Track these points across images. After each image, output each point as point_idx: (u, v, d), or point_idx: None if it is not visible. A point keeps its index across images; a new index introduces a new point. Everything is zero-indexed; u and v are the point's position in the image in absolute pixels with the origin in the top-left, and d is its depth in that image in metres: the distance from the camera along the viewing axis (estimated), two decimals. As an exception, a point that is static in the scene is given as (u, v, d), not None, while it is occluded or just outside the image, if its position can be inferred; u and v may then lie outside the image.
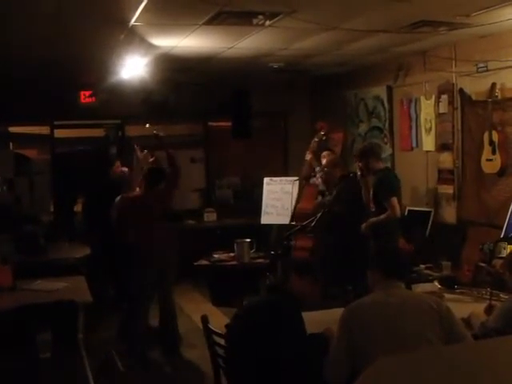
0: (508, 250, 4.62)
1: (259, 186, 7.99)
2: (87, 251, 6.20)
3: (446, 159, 6.60)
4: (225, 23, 4.92)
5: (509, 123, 5.69)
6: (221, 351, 3.26)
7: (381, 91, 7.76)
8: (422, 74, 6.91)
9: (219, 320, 4.69)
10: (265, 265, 6.42)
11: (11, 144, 8.65)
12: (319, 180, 6.63)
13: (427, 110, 6.85)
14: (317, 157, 6.67)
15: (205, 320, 3.40)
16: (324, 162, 6.32)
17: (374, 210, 5.44)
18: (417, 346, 2.64)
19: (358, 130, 8.37)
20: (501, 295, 3.74)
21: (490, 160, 5.80)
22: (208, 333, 3.36)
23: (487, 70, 5.88)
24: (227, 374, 3.27)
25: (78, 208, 8.30)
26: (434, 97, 6.73)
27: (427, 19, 5.08)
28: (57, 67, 6.78)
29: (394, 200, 5.33)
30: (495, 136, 5.72)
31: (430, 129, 6.83)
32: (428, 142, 6.89)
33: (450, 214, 6.58)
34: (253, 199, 8.53)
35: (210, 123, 9.32)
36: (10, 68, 6.84)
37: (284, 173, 8.76)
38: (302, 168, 7.03)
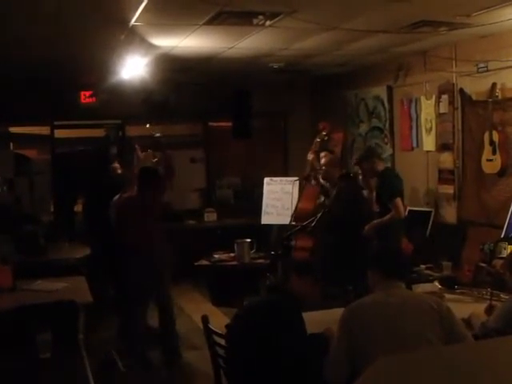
0: (508, 250, 4.61)
1: (259, 186, 7.99)
2: (87, 251, 6.20)
3: (447, 159, 6.59)
4: (225, 23, 4.91)
5: (509, 123, 5.69)
6: (221, 351, 3.26)
7: (381, 91, 7.76)
8: (422, 74, 6.91)
9: (219, 320, 4.69)
10: (265, 265, 6.42)
11: (11, 144, 8.65)
12: (321, 180, 6.62)
13: (427, 110, 6.85)
14: (319, 157, 6.67)
15: (205, 320, 3.40)
16: (322, 161, 6.32)
17: (378, 210, 5.45)
18: (417, 346, 2.64)
19: (358, 130, 8.37)
20: (501, 295, 3.73)
21: (491, 160, 5.80)
22: (208, 333, 3.35)
23: (487, 70, 5.88)
24: (227, 374, 3.27)
25: (78, 208, 8.31)
26: (434, 97, 6.73)
27: (427, 19, 5.08)
28: (57, 67, 6.78)
29: (399, 201, 5.36)
30: (495, 136, 5.72)
31: (431, 129, 6.83)
32: (428, 142, 6.88)
33: (450, 214, 6.58)
34: (253, 199, 8.53)
35: (211, 123, 9.32)
36: (10, 68, 6.85)
37: (284, 173, 8.77)
38: (304, 168, 7.03)
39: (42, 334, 3.31)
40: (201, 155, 9.27)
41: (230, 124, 8.68)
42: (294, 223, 6.21)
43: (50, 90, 7.75)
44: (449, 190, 6.58)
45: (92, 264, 5.97)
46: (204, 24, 4.94)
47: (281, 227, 6.95)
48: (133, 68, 6.19)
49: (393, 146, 7.64)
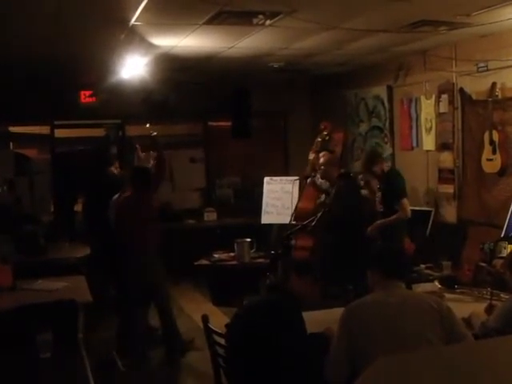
0: (508, 250, 4.61)
1: (259, 186, 7.99)
2: (87, 251, 6.20)
3: (447, 159, 6.59)
4: (225, 23, 4.91)
5: (509, 123, 5.69)
6: (221, 351, 3.26)
7: (381, 91, 7.76)
8: (422, 73, 6.91)
9: (219, 320, 4.68)
10: (265, 264, 6.41)
11: (11, 144, 8.66)
12: (319, 180, 6.61)
13: (427, 109, 6.85)
14: (333, 161, 6.58)
15: (205, 320, 3.40)
16: (321, 161, 6.31)
17: (381, 210, 5.44)
18: (417, 346, 2.64)
19: (358, 130, 8.37)
20: (501, 295, 3.73)
21: (491, 160, 5.80)
22: (208, 332, 3.35)
23: (487, 70, 5.88)
24: (227, 374, 3.27)
25: (78, 208, 8.30)
26: (434, 96, 6.72)
27: (427, 19, 5.08)
28: (57, 67, 6.78)
29: (405, 201, 5.40)
30: (495, 135, 5.72)
31: (431, 128, 6.83)
32: (428, 142, 6.88)
33: (450, 213, 6.58)
34: (253, 199, 8.52)
35: (210, 123, 9.32)
36: (10, 67, 6.84)
37: (284, 172, 8.77)
38: (305, 167, 7.02)
39: (42, 334, 3.30)
40: (201, 155, 9.27)
41: (229, 123, 8.67)
42: (294, 222, 6.20)
43: (50, 89, 7.75)
44: (449, 189, 6.58)
45: (92, 264, 5.97)
46: (204, 23, 4.94)
47: (281, 227, 6.94)
48: (133, 67, 6.19)
49: (393, 146, 7.64)
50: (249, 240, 7.01)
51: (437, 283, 4.27)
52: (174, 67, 7.03)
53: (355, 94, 8.36)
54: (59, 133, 8.73)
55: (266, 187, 7.79)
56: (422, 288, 4.04)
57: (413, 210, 6.68)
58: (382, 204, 5.47)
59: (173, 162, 8.77)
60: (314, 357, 2.98)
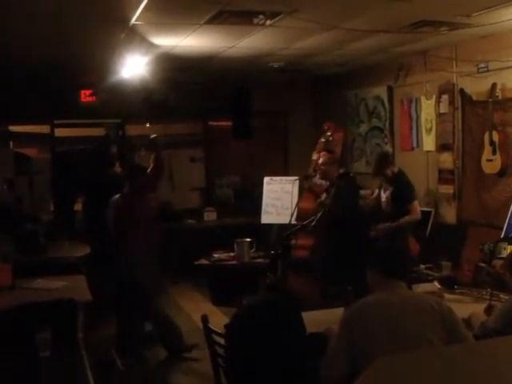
0: (508, 251, 4.61)
1: (259, 186, 7.99)
2: (87, 250, 6.20)
3: (447, 159, 6.60)
4: (225, 23, 4.91)
5: (509, 123, 5.69)
6: (221, 351, 3.26)
7: (381, 91, 7.76)
8: (422, 74, 6.91)
9: (219, 319, 4.68)
10: (265, 264, 6.41)
11: (11, 143, 8.65)
12: (319, 181, 6.62)
13: (428, 110, 6.85)
14: (333, 160, 6.54)
15: (205, 319, 3.39)
16: (320, 161, 6.31)
17: (388, 210, 5.42)
18: (417, 346, 2.63)
19: (358, 130, 8.37)
20: (501, 296, 3.73)
21: (491, 160, 5.80)
22: (208, 332, 3.35)
23: (488, 71, 5.88)
24: (227, 374, 3.26)
25: (78, 207, 8.30)
26: (434, 97, 6.73)
27: (428, 19, 5.08)
28: (57, 66, 6.78)
29: (416, 203, 5.41)
30: (496, 136, 5.72)
31: (431, 129, 6.83)
32: (428, 142, 6.89)
33: (450, 214, 6.58)
34: (253, 199, 8.52)
35: (211, 122, 9.32)
36: (10, 67, 6.84)
37: (284, 172, 8.77)
38: (307, 168, 7.02)
39: (42, 333, 3.30)
40: (201, 154, 9.28)
41: (230, 123, 8.68)
42: (294, 222, 6.20)
43: (50, 88, 7.75)
44: (449, 190, 6.58)
45: (91, 263, 5.97)
46: (204, 23, 4.94)
47: (280, 227, 6.94)
48: (133, 67, 6.19)
49: (393, 146, 7.64)
50: (248, 240, 7.01)
51: (436, 283, 4.27)
52: (174, 67, 7.03)
53: (355, 94, 8.37)
54: (59, 132, 8.73)
55: (265, 187, 7.79)
56: (421, 288, 4.04)
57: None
58: (392, 206, 5.44)
59: (173, 161, 8.78)
60: (313, 357, 2.98)
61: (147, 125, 9.27)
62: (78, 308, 3.98)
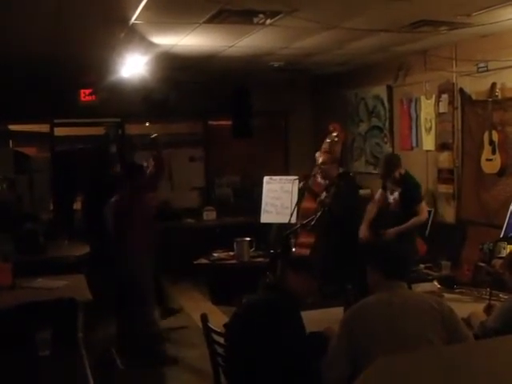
0: (508, 250, 4.62)
1: (259, 185, 7.99)
2: (87, 249, 6.20)
3: (446, 159, 6.60)
4: (225, 22, 4.91)
5: (509, 123, 5.69)
6: (220, 350, 3.26)
7: (381, 91, 7.77)
8: (422, 73, 6.91)
9: (219, 319, 4.69)
10: (264, 264, 6.41)
11: (11, 142, 8.65)
12: (319, 179, 6.61)
13: (427, 109, 6.85)
14: (333, 160, 6.49)
15: (204, 319, 3.40)
16: (320, 160, 6.31)
17: (396, 211, 5.42)
18: (417, 347, 2.63)
19: (358, 130, 8.37)
20: (500, 295, 3.74)
21: (490, 160, 5.80)
22: (207, 331, 3.35)
23: (487, 70, 5.88)
24: (226, 373, 3.27)
25: (77, 206, 8.31)
26: (434, 96, 6.73)
27: (428, 19, 5.08)
28: (57, 65, 6.78)
29: (424, 204, 5.45)
30: (495, 136, 5.72)
31: (430, 128, 6.83)
32: (428, 142, 6.89)
33: (449, 213, 6.58)
34: (252, 198, 8.52)
35: (210, 122, 9.32)
36: (11, 66, 6.84)
37: (284, 172, 8.77)
38: (305, 167, 7.01)
39: (42, 332, 3.30)
40: (200, 154, 9.27)
41: (229, 123, 8.68)
42: (294, 222, 6.20)
43: (50, 87, 7.75)
44: (448, 189, 6.59)
45: (91, 262, 5.97)
46: (204, 22, 4.94)
47: (280, 226, 6.94)
48: (133, 66, 6.19)
49: (392, 146, 7.64)
50: (248, 239, 7.01)
51: (436, 283, 4.27)
52: (174, 66, 7.03)
53: (355, 93, 8.37)
54: (59, 131, 8.73)
55: (265, 186, 7.79)
56: (421, 288, 4.04)
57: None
58: (400, 207, 5.43)
59: (172, 160, 8.77)
60: (313, 356, 2.98)
61: (147, 124, 9.27)
62: (78, 307, 3.97)
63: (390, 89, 7.62)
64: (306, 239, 6.00)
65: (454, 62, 6.39)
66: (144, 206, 5.32)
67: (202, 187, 9.28)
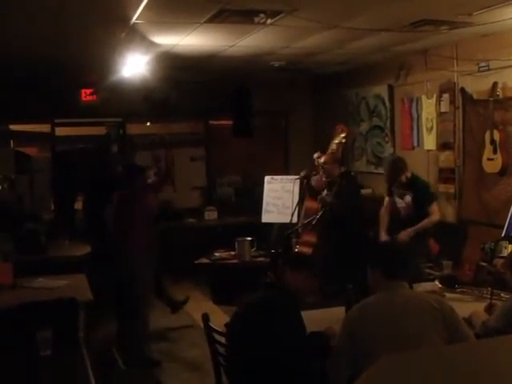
0: (509, 250, 4.61)
1: (260, 185, 7.99)
2: (88, 249, 6.20)
3: (447, 158, 6.59)
4: (226, 21, 4.91)
5: (510, 122, 5.69)
6: (221, 349, 3.26)
7: (382, 90, 7.76)
8: (423, 72, 6.90)
9: (220, 318, 4.69)
10: (266, 263, 6.41)
11: (12, 142, 8.65)
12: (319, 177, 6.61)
13: (428, 109, 6.85)
14: (334, 159, 6.43)
15: (205, 318, 3.40)
16: (322, 160, 6.31)
17: (410, 214, 5.40)
18: (419, 346, 2.63)
19: (359, 129, 8.37)
20: (502, 294, 3.74)
21: (491, 159, 5.79)
22: (209, 331, 3.36)
23: (489, 69, 5.88)
24: (227, 372, 3.26)
25: (78, 206, 8.30)
26: (435, 96, 6.72)
27: (429, 18, 5.07)
28: (58, 65, 6.78)
29: (436, 205, 5.44)
30: (496, 135, 5.72)
31: (431, 128, 6.82)
32: (429, 141, 6.88)
33: (450, 213, 6.58)
34: (254, 198, 8.52)
35: (211, 121, 9.32)
36: (11, 66, 6.84)
37: (285, 171, 8.77)
38: (306, 167, 6.99)
39: (43, 332, 3.30)
40: (201, 153, 9.27)
41: (230, 122, 8.68)
42: (295, 221, 6.20)
43: (51, 87, 7.75)
44: (449, 189, 6.58)
45: (92, 262, 5.97)
46: (205, 22, 4.94)
47: (281, 226, 6.94)
48: (133, 66, 6.19)
49: (393, 145, 7.63)
50: (249, 239, 7.01)
51: (437, 283, 4.27)
52: (175, 66, 7.03)
53: (356, 93, 8.36)
54: (60, 131, 8.73)
55: (266, 186, 7.79)
56: (422, 287, 4.04)
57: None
58: (413, 210, 5.42)
59: (174, 160, 8.78)
60: (313, 356, 2.97)
61: (148, 124, 9.27)
62: (78, 307, 3.98)
63: (391, 88, 7.61)
64: (309, 238, 6.01)
65: (455, 61, 6.38)
66: (144, 206, 5.33)
67: (203, 187, 9.28)
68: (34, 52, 6.16)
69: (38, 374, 3.21)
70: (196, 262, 7.10)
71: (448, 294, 3.97)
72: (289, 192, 7.23)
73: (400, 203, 5.51)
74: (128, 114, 8.60)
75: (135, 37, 5.31)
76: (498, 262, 4.20)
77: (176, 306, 6.17)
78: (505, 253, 4.55)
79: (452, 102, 6.45)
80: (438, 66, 6.57)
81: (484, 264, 4.38)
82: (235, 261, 6.99)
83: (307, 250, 5.83)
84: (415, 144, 7.15)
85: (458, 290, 4.12)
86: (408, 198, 5.44)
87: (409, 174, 5.47)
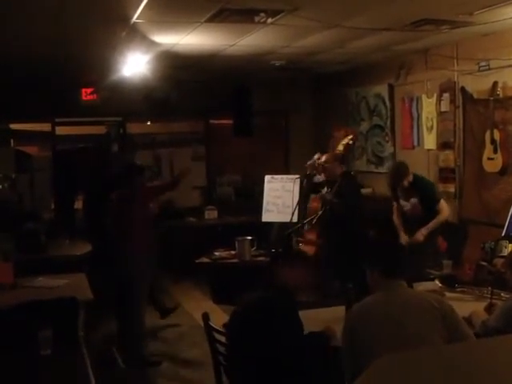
0: (509, 249, 4.60)
1: (260, 184, 7.99)
2: (88, 248, 6.20)
3: (448, 158, 6.59)
4: (227, 21, 4.91)
5: (510, 122, 5.68)
6: (221, 349, 3.26)
7: (382, 89, 7.76)
8: (423, 72, 6.90)
9: (220, 317, 4.68)
10: (266, 263, 6.40)
11: (12, 141, 8.66)
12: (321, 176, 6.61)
13: (429, 108, 6.85)
14: (336, 158, 6.41)
15: (206, 318, 3.40)
16: (323, 159, 6.31)
17: (418, 214, 5.40)
18: (419, 346, 2.63)
19: (359, 128, 8.36)
20: (502, 294, 3.74)
21: (492, 159, 5.79)
22: (209, 330, 3.36)
23: (489, 69, 5.87)
24: (227, 372, 3.27)
25: (78, 205, 8.31)
26: (435, 95, 6.72)
27: (429, 17, 5.07)
28: (58, 65, 6.78)
29: (443, 202, 5.43)
30: (497, 135, 5.72)
31: (432, 127, 6.82)
32: (429, 141, 6.88)
33: (450, 212, 6.57)
34: (254, 197, 8.53)
35: (212, 121, 9.32)
36: (11, 65, 6.84)
37: (285, 171, 8.77)
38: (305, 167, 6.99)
39: (43, 331, 3.31)
40: (202, 153, 9.27)
41: (231, 122, 8.68)
42: (296, 221, 6.20)
43: (51, 87, 7.75)
44: (449, 188, 6.58)
45: (92, 261, 5.97)
46: (205, 21, 4.94)
47: (281, 225, 6.94)
48: (134, 65, 6.19)
49: (394, 145, 7.63)
50: (249, 238, 7.01)
51: (437, 282, 4.27)
52: (175, 65, 7.03)
53: (356, 92, 8.36)
54: (60, 130, 8.73)
55: (266, 186, 7.80)
56: (422, 287, 4.04)
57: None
58: (422, 210, 5.43)
59: (174, 159, 8.78)
60: (312, 355, 2.97)
61: (148, 123, 9.27)
62: (79, 306, 3.98)
63: (391, 87, 7.61)
64: (313, 236, 6.01)
65: (455, 60, 6.38)
66: (144, 206, 5.33)
67: (204, 186, 9.28)
68: (35, 52, 6.16)
69: (39, 373, 3.21)
70: (196, 261, 7.09)
71: (448, 294, 3.97)
72: (289, 191, 7.24)
73: (406, 206, 5.51)
74: (128, 113, 8.60)
75: (135, 36, 5.31)
76: (498, 261, 4.20)
77: (165, 312, 6.15)
78: (505, 252, 4.55)
79: (452, 101, 6.45)
80: (438, 66, 6.57)
81: (484, 263, 4.38)
82: (235, 260, 6.98)
83: (310, 249, 5.83)
84: (415, 143, 7.15)
85: (458, 289, 4.12)
86: (414, 200, 5.44)
87: (411, 178, 5.45)
